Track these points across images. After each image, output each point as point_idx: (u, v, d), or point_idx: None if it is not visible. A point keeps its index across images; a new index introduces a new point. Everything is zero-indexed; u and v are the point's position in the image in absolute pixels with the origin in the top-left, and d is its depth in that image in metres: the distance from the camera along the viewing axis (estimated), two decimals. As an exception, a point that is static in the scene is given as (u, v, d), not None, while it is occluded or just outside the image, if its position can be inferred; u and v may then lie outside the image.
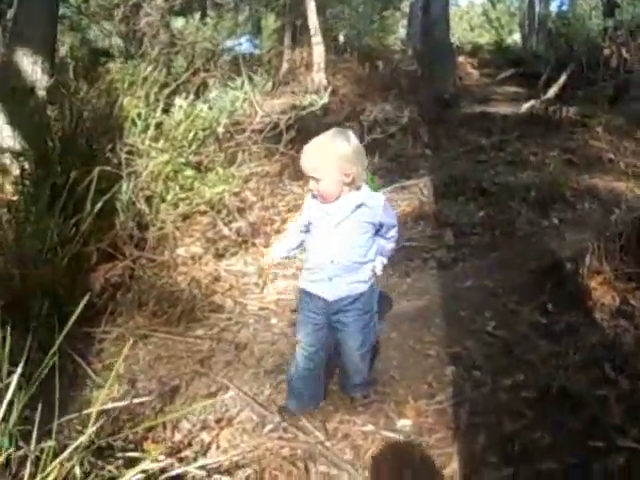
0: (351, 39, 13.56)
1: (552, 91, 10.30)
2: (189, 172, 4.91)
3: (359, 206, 3.01)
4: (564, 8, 12.47)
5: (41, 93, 5.84)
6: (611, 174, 7.27)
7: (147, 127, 5.15)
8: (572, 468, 2.80)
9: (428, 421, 3.26)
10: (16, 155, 5.21)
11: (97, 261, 4.35)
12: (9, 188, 5.09)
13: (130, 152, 5.07)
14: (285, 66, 10.85)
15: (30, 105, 5.56)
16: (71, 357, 3.69)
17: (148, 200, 4.95)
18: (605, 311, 4.28)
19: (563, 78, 10.23)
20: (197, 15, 8.64)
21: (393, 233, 3.24)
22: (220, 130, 5.05)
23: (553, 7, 19.38)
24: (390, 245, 3.29)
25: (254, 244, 5.35)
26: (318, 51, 9.41)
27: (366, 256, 3.14)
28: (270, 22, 10.51)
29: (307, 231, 3.23)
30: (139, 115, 5.13)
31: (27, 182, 4.82)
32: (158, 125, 5.22)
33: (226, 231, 5.21)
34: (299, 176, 6.34)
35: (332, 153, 2.93)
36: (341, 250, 3.05)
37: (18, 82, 5.82)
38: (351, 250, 3.06)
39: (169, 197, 4.94)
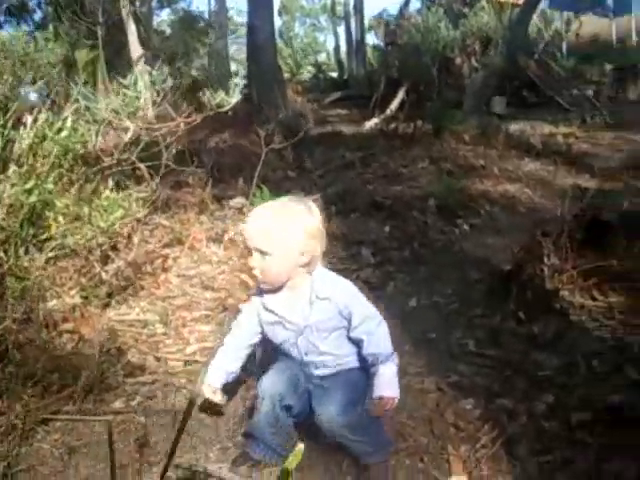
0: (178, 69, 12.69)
1: (392, 107, 10.10)
2: (64, 200, 3.76)
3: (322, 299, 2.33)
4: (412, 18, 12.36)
5: None
6: (490, 179, 7.04)
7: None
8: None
9: (485, 472, 2.49)
10: None
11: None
12: None
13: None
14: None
15: None
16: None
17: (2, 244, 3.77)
18: (582, 311, 3.89)
19: (400, 95, 10.05)
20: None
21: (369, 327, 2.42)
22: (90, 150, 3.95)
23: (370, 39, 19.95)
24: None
25: (142, 287, 4.31)
26: (143, 79, 8.48)
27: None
28: (83, 55, 9.45)
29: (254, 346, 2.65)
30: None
31: None
32: (4, 147, 4.06)
33: (104, 275, 4.12)
34: (169, 206, 5.43)
35: (288, 224, 2.27)
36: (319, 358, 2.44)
37: None
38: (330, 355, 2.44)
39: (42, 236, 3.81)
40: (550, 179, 7.31)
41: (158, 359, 3.47)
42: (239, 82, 3.80)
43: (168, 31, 19.29)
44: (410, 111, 9.52)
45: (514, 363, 3.30)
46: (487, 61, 9.57)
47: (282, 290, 2.38)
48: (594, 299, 4.00)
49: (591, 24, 23.57)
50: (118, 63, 10.80)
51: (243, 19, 35.39)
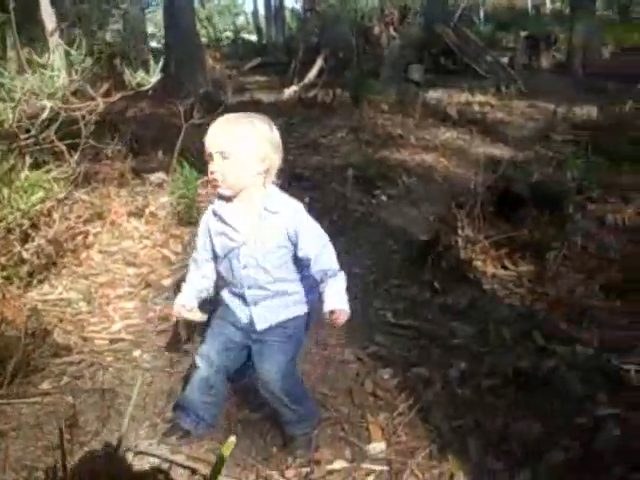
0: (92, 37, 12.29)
1: (311, 75, 10.10)
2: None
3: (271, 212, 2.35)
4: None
5: None
6: (407, 148, 7.19)
7: None
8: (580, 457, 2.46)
9: (403, 438, 2.63)
10: None
11: None
12: None
13: None
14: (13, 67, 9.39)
15: None
16: None
17: None
18: (494, 280, 4.11)
19: (319, 63, 10.07)
20: None
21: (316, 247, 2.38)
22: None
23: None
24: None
25: (63, 264, 4.28)
26: (59, 53, 8.22)
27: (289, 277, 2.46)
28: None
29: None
30: None
31: None
32: None
33: (24, 254, 4.06)
34: (87, 180, 5.35)
35: (251, 129, 2.30)
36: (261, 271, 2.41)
37: None
38: (272, 271, 2.41)
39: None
40: (466, 148, 7.52)
41: (84, 338, 3.47)
42: (159, 61, 3.73)
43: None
44: (329, 79, 9.57)
45: (430, 332, 3.46)
46: (405, 31, 9.66)
47: (235, 200, 2.38)
48: (505, 268, 4.20)
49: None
50: (29, 28, 10.44)
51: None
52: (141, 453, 2.58)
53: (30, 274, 4.06)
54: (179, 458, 2.53)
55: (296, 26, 15.40)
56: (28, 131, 3.93)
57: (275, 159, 2.34)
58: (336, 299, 2.30)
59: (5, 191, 3.70)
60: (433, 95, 10.02)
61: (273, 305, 2.45)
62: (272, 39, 16.36)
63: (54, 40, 8.66)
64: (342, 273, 2.36)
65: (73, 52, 3.62)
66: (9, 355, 3.15)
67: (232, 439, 1.45)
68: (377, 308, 3.79)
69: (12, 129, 3.75)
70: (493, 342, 3.31)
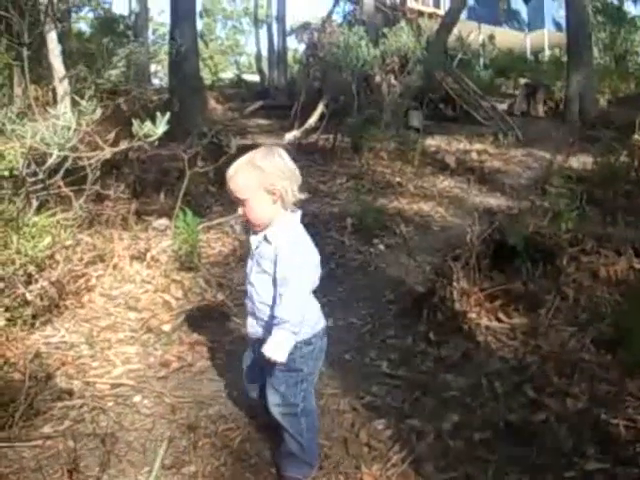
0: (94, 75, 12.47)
1: (312, 120, 10.26)
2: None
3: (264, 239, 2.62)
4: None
5: None
6: (405, 197, 7.30)
7: None
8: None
9: (396, 490, 2.69)
10: None
11: None
12: None
13: None
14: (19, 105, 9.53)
15: None
16: None
17: None
18: (488, 332, 4.17)
19: (320, 108, 10.23)
20: None
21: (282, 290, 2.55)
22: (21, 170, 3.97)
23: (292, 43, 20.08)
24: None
25: (66, 307, 4.36)
26: (64, 87, 8.38)
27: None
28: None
29: None
30: None
31: None
32: None
33: (28, 295, 4.15)
34: (90, 222, 5.47)
35: (252, 167, 2.56)
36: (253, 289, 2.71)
37: None
38: (259, 292, 2.68)
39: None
40: (463, 197, 7.64)
41: (86, 383, 3.54)
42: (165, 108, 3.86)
43: (86, 29, 18.91)
44: (329, 124, 9.73)
45: (424, 384, 3.53)
46: (405, 80, 9.86)
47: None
48: (499, 320, 4.27)
49: (507, 37, 24.49)
50: (36, 66, 10.60)
51: (164, 19, 35.09)
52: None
53: (33, 316, 4.14)
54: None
55: (298, 69, 15.65)
56: (35, 174, 4.04)
57: (285, 185, 2.54)
58: (272, 346, 2.48)
59: (14, 237, 3.80)
60: (432, 142, 10.18)
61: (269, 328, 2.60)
62: (274, 82, 16.58)
63: (63, 86, 8.81)
64: (295, 326, 2.51)
65: (83, 103, 3.74)
66: (11, 398, 3.24)
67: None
68: (372, 358, 3.88)
69: (21, 175, 3.86)
70: (486, 394, 3.38)
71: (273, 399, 2.68)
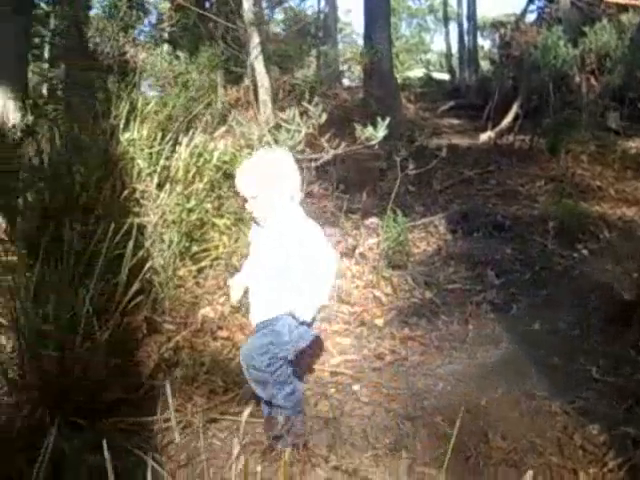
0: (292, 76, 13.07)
1: (505, 122, 10.20)
2: (224, 220, 4.21)
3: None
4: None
5: (12, 135, 5.00)
6: (607, 201, 7.14)
7: (154, 170, 4.45)
8: None
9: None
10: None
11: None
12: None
13: (136, 200, 4.37)
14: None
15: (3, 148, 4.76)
16: (133, 456, 2.90)
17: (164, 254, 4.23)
18: None
19: (515, 108, 10.15)
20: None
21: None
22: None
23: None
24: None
25: (282, 299, 4.70)
26: (265, 88, 8.90)
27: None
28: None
29: None
30: (150, 155, 4.42)
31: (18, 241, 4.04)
32: (164, 167, 4.53)
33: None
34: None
35: (260, 172, 2.92)
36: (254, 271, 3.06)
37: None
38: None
39: (194, 248, 4.26)
40: (667, 201, 7.34)
41: (309, 369, 3.83)
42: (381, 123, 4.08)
43: (279, 31, 19.65)
44: (524, 125, 9.63)
45: (635, 392, 3.48)
46: (605, 79, 9.56)
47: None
48: None
49: None
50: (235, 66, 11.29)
51: (349, 18, 35.69)
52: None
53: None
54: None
55: (489, 69, 15.52)
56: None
57: (288, 185, 2.91)
58: None
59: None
60: (632, 145, 9.80)
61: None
62: (465, 80, 16.53)
63: (264, 87, 9.32)
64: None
65: (311, 108, 4.03)
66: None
67: None
68: (582, 363, 3.87)
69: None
70: None
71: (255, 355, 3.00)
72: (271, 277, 2.92)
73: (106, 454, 1.72)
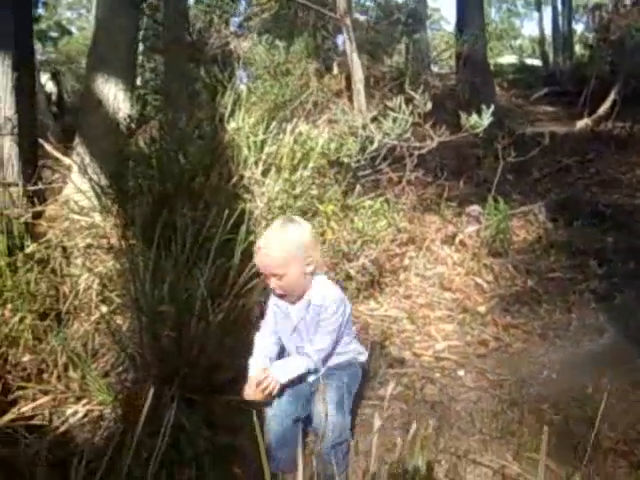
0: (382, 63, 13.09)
1: (603, 108, 9.97)
2: (331, 206, 4.30)
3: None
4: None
5: (126, 124, 5.20)
6: None
7: (259, 158, 4.57)
8: None
9: None
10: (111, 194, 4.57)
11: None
12: (112, 232, 4.43)
13: (244, 187, 4.50)
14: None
15: (117, 137, 4.96)
16: (243, 434, 3.02)
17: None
18: None
19: (613, 95, 9.90)
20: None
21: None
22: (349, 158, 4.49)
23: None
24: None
25: (385, 284, 4.77)
26: (358, 76, 8.97)
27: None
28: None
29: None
30: (255, 143, 4.54)
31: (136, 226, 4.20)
32: (269, 154, 4.64)
33: (351, 272, 4.60)
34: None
35: (286, 248, 2.74)
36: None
37: (100, 111, 5.21)
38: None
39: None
40: None
41: (414, 354, 3.91)
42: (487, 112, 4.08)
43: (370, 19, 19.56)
44: (623, 112, 9.39)
45: None
46: None
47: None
48: None
49: None
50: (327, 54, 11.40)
51: (437, 4, 35.24)
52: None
53: (357, 290, 4.57)
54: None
55: (583, 53, 15.15)
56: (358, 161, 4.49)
57: (315, 255, 2.81)
58: (279, 366, 2.83)
59: (356, 218, 4.25)
60: None
61: None
62: (559, 66, 16.17)
63: (358, 75, 9.38)
64: (313, 362, 2.84)
65: (417, 97, 4.07)
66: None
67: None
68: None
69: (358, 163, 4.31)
70: None
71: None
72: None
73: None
